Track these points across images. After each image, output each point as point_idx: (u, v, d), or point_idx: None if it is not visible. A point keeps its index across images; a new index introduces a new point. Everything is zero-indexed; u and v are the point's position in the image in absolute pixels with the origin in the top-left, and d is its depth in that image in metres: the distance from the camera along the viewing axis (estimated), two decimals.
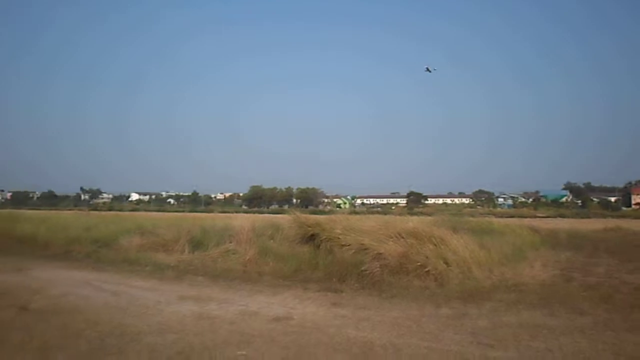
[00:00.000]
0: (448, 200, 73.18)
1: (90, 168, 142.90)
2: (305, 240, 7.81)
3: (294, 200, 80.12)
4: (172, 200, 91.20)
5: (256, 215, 21.67)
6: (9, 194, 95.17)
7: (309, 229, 7.86)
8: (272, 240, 8.28)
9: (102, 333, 3.87)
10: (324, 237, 7.42)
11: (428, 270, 5.81)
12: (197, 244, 8.54)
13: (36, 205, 69.09)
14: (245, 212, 50.03)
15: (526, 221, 14.45)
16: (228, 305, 4.99)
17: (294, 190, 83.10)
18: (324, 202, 76.57)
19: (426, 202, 72.26)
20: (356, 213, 10.34)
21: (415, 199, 73.05)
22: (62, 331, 3.92)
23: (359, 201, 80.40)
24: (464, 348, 3.35)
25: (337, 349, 3.45)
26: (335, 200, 75.25)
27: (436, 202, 70.77)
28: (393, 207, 57.93)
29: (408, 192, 76.22)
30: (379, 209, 51.93)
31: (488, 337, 3.61)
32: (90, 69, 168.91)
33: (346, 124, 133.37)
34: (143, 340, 3.68)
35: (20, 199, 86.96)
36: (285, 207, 52.16)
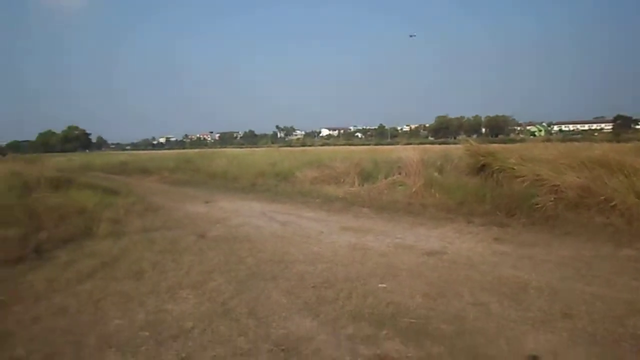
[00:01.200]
0: None
1: (285, 108, 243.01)
2: (476, 172, 10.66)
3: (483, 130, 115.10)
4: (359, 134, 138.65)
5: (435, 146, 28.50)
6: (217, 135, 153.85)
7: (481, 159, 10.62)
8: (439, 172, 11.44)
9: (261, 260, 6.07)
10: (496, 167, 10.03)
11: (614, 205, 7.52)
12: (366, 176, 12.80)
13: (239, 144, 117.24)
14: (431, 143, 64.60)
15: None
16: (385, 237, 7.29)
17: (482, 119, 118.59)
18: (515, 130, 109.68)
19: (637, 126, 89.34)
20: (549, 141, 13.00)
21: (624, 124, 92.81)
22: (228, 257, 6.30)
23: (555, 128, 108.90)
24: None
25: (485, 287, 4.77)
26: (528, 128, 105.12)
27: None
28: (596, 134, 72.32)
29: (614, 115, 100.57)
30: (578, 136, 64.50)
31: None
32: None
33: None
34: (295, 268, 5.69)
35: (226, 139, 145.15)
36: (474, 137, 72.58)
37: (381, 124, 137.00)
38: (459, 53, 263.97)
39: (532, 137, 67.30)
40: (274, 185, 14.40)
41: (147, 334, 3.81)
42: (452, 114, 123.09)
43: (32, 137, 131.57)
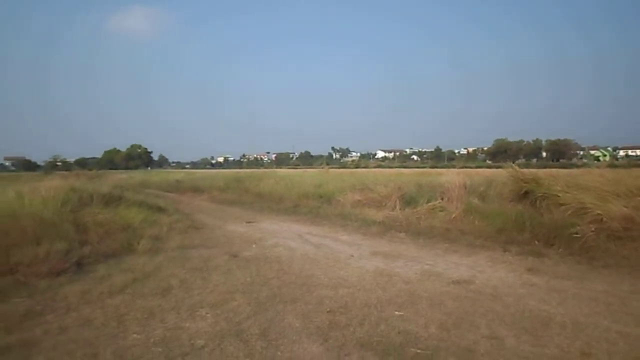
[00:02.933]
0: None
1: (341, 129, 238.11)
2: (519, 198, 10.68)
3: (543, 154, 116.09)
4: (415, 157, 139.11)
5: (485, 170, 26.75)
6: (274, 155, 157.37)
7: (524, 185, 10.66)
8: (481, 197, 11.56)
9: (285, 282, 6.23)
10: (539, 194, 10.06)
11: None
12: (408, 200, 12.90)
13: (294, 165, 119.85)
14: (488, 167, 63.05)
15: None
16: (414, 264, 7.33)
17: (543, 143, 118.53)
18: (578, 154, 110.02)
19: None
20: (615, 166, 13.42)
21: None
22: (254, 278, 6.48)
23: (621, 153, 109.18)
24: None
25: (504, 320, 4.71)
26: (592, 152, 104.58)
27: None
28: None
29: None
30: None
31: None
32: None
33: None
34: (316, 291, 5.81)
35: (282, 160, 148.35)
36: (533, 161, 69.59)
37: (438, 147, 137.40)
38: (520, 74, 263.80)
39: (596, 162, 66.26)
40: (316, 207, 14.66)
41: (160, 349, 3.99)
42: (512, 137, 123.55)
43: (99, 154, 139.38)
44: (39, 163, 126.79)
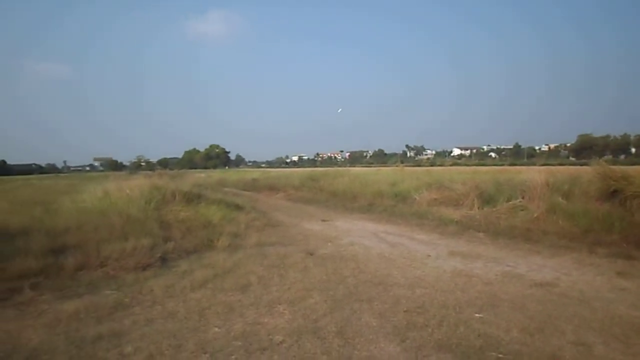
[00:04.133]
0: None
1: (415, 126, 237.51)
2: (607, 197, 10.17)
3: (632, 150, 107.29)
4: (493, 154, 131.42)
5: (569, 167, 24.39)
6: (348, 154, 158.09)
7: (613, 183, 10.13)
8: (565, 196, 10.94)
9: (362, 281, 6.21)
10: (630, 193, 9.58)
11: None
12: (487, 199, 12.51)
13: (368, 163, 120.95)
14: (572, 164, 61.23)
15: None
16: (494, 265, 7.13)
17: (631, 138, 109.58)
18: None
19: None
20: None
21: None
22: (331, 276, 6.51)
23: None
24: None
25: (592, 326, 4.47)
26: None
27: None
28: None
29: None
30: None
31: None
32: None
33: None
34: (393, 291, 5.77)
35: (356, 158, 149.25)
36: (621, 157, 67.53)
37: (517, 143, 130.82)
38: (605, 67, 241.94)
39: None
40: (391, 206, 14.52)
41: (239, 343, 4.09)
42: (597, 133, 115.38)
43: (180, 154, 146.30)
44: (124, 163, 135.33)
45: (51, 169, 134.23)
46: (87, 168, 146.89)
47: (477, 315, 4.80)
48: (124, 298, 5.54)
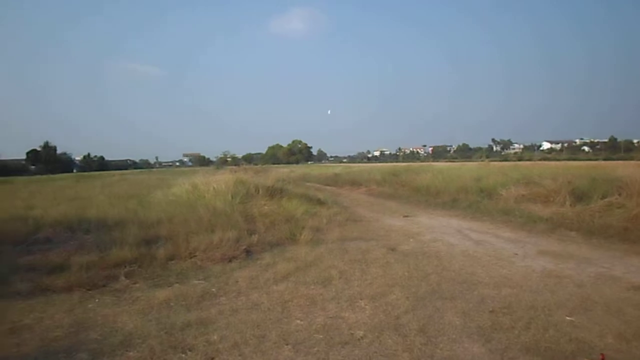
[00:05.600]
0: None
1: (502, 119, 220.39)
2: None
3: None
4: (586, 148, 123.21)
5: None
6: (430, 148, 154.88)
7: None
8: None
9: (445, 278, 6.08)
10: None
11: None
12: (580, 196, 11.76)
13: (452, 158, 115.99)
14: None
15: None
16: (587, 266, 6.74)
17: None
18: None
19: None
20: None
21: None
22: (413, 272, 6.42)
23: None
24: None
25: None
26: None
27: None
28: None
29: None
30: None
31: None
32: None
33: None
34: (477, 290, 5.60)
35: (439, 153, 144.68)
36: None
37: (612, 136, 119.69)
38: None
39: None
40: (476, 202, 13.99)
41: (321, 336, 4.13)
42: None
43: (263, 150, 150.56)
44: (211, 158, 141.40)
45: (144, 165, 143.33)
46: (177, 163, 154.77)
47: (568, 318, 4.56)
48: (211, 288, 5.80)
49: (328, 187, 25.35)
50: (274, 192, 13.34)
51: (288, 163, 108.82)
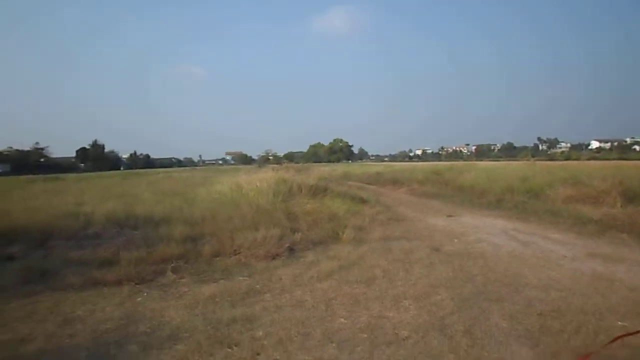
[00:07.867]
0: None
1: (548, 117, 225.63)
2: None
3: None
4: (637, 147, 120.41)
5: None
6: (474, 147, 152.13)
7: None
8: None
9: (490, 279, 5.98)
10: None
11: None
12: (632, 197, 11.61)
13: (496, 157, 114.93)
14: None
15: None
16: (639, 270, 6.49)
17: None
18: None
19: None
20: None
21: None
22: (457, 273, 6.34)
23: None
24: None
25: None
26: None
27: None
28: None
29: None
30: None
31: None
32: None
33: None
34: (524, 292, 5.49)
35: (483, 152, 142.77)
36: None
37: None
38: None
39: None
40: (521, 202, 13.65)
41: (365, 335, 4.13)
42: None
43: (305, 148, 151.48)
44: (253, 157, 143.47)
45: (188, 163, 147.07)
46: (220, 161, 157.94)
47: (619, 323, 4.40)
48: (256, 285, 5.89)
49: (370, 186, 25.23)
50: (317, 191, 13.41)
51: (329, 161, 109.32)
